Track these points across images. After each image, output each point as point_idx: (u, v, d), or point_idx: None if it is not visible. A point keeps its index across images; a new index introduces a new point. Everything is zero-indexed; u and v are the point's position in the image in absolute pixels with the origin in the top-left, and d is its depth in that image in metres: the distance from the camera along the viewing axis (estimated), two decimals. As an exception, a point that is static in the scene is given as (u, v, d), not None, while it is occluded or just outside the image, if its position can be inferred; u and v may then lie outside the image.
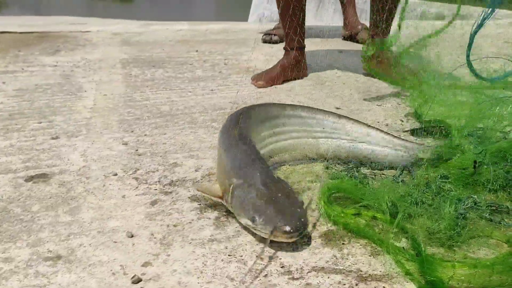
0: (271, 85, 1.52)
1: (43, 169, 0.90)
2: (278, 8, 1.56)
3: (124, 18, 4.54)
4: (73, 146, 1.01)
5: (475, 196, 0.72)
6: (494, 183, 0.81)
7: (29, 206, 0.77)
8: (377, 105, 1.34)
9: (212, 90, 1.50)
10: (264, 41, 2.43)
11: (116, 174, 0.89)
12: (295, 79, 1.59)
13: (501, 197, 0.78)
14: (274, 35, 2.45)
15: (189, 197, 0.81)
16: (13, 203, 0.77)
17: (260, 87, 1.49)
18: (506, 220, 0.72)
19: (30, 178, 0.86)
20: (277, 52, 2.09)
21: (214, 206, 0.78)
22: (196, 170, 0.92)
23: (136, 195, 0.82)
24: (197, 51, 2.15)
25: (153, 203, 0.79)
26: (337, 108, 1.29)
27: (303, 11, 1.55)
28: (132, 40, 2.41)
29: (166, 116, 1.24)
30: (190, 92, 1.48)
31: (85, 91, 1.45)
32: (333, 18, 7.03)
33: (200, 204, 0.79)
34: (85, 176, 0.88)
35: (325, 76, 1.67)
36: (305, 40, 1.61)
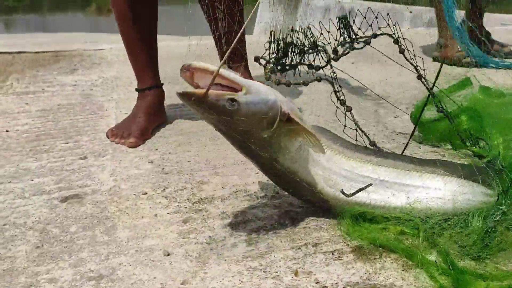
0: (144, 141, 1.19)
1: (75, 189, 0.93)
2: (124, 42, 1.30)
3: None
4: (102, 166, 1.04)
5: (503, 207, 0.73)
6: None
7: (67, 227, 0.80)
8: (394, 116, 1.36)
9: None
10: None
11: (146, 193, 0.92)
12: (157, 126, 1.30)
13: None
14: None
15: (219, 215, 0.84)
16: (51, 224, 0.80)
17: (133, 147, 1.15)
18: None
19: (64, 199, 0.89)
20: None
21: (245, 223, 0.80)
22: (222, 187, 0.94)
23: (168, 213, 0.84)
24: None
25: (185, 221, 0.82)
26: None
27: (155, 41, 1.31)
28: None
29: (187, 133, 1.26)
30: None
31: (106, 109, 1.49)
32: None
33: (231, 221, 0.81)
34: (117, 196, 0.90)
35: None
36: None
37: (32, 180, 0.97)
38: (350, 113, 0.94)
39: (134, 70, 1.33)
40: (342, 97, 0.94)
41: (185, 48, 2.58)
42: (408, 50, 0.98)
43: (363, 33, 1.02)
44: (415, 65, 0.97)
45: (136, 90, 1.32)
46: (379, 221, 0.75)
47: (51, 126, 1.32)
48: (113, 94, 1.69)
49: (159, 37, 1.37)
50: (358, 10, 1.07)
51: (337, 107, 0.93)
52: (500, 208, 0.71)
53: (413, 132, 1.06)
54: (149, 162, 1.07)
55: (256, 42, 1.18)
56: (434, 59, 2.26)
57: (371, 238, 0.73)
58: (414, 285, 0.62)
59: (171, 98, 1.61)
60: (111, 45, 2.81)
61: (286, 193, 0.89)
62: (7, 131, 1.28)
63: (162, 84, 1.35)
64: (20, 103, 1.55)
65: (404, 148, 1.08)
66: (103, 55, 2.50)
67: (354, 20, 1.06)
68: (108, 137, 1.21)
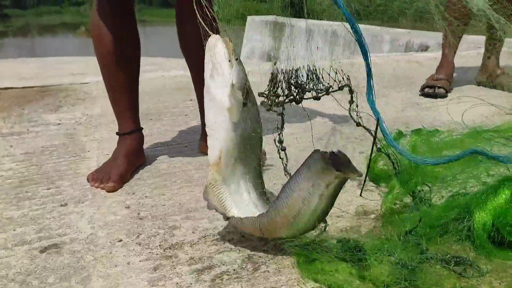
0: (123, 184, 1.25)
1: (55, 238, 1.00)
2: (106, 87, 1.35)
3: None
4: (81, 213, 1.11)
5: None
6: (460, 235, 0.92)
7: (45, 278, 0.86)
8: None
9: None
10: (426, 95, 2.14)
11: (121, 240, 0.99)
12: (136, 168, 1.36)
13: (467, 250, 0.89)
14: (439, 87, 2.12)
15: (187, 260, 0.91)
16: (31, 276, 0.87)
17: (112, 191, 1.21)
18: (467, 271, 0.82)
19: (44, 249, 0.96)
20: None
21: (210, 268, 0.88)
22: (193, 232, 1.01)
23: (140, 261, 0.91)
24: (191, 100, 2.28)
25: (155, 268, 0.89)
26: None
27: (137, 85, 1.37)
28: (129, 90, 2.53)
29: (164, 175, 1.34)
30: (186, 147, 1.59)
31: (88, 151, 1.56)
32: (323, 49, 7.24)
33: (198, 267, 0.88)
34: (93, 244, 0.97)
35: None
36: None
37: (15, 230, 1.04)
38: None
39: (115, 114, 1.39)
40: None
41: (164, 80, 2.65)
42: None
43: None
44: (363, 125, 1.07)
45: (117, 134, 1.40)
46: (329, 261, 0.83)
47: (34, 171, 1.39)
48: (96, 134, 1.77)
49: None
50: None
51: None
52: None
53: (365, 179, 1.16)
54: (125, 207, 1.14)
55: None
56: (479, 84, 2.34)
57: (326, 281, 0.81)
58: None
59: (151, 136, 1.70)
60: (98, 78, 2.89)
61: (251, 236, 0.97)
62: (-8, 177, 1.34)
63: (142, 128, 1.43)
64: (6, 146, 1.62)
65: (361, 189, 1.17)
66: (88, 90, 2.58)
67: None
68: (88, 181, 1.28)
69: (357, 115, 1.14)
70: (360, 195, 1.17)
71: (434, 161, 1.06)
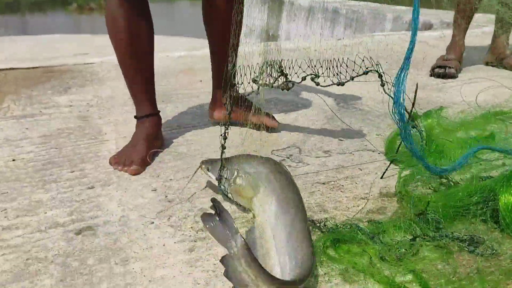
0: (145, 168, 1.27)
1: (88, 221, 1.02)
2: (123, 72, 1.37)
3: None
4: (109, 196, 1.13)
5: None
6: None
7: (85, 260, 0.88)
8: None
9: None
10: (437, 75, 2.14)
11: (153, 223, 1.01)
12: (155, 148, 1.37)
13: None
14: (449, 67, 2.11)
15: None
16: (70, 257, 0.89)
17: (136, 174, 1.24)
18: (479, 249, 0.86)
19: (79, 232, 0.97)
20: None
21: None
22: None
23: (175, 242, 0.94)
24: (201, 81, 2.28)
25: (191, 249, 0.91)
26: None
27: (152, 68, 1.39)
28: (136, 71, 2.52)
29: (184, 158, 1.35)
30: (202, 129, 1.60)
31: (106, 134, 1.57)
32: (324, 28, 7.16)
33: (232, 249, 0.91)
34: (127, 226, 0.99)
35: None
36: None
37: (46, 213, 1.05)
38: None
39: (133, 98, 1.41)
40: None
41: (168, 61, 2.63)
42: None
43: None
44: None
45: (135, 117, 1.40)
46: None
47: (55, 154, 1.39)
48: (110, 116, 1.77)
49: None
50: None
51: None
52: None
53: (388, 166, 1.18)
54: (152, 190, 1.16)
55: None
56: (487, 64, 2.36)
57: (353, 263, 0.84)
58: (393, 306, 0.73)
59: (165, 119, 1.70)
60: (102, 58, 2.87)
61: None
62: (13, 160, 1.35)
63: (159, 111, 1.44)
64: (21, 129, 1.62)
65: (383, 173, 1.19)
66: (94, 71, 2.56)
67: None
68: (111, 165, 1.30)
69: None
70: (381, 177, 1.19)
71: (450, 168, 1.09)
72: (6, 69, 2.59)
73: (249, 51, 1.07)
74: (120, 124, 1.68)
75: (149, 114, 1.39)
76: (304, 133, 1.53)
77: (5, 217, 1.03)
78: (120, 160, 1.29)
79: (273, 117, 1.54)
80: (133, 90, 1.39)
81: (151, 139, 1.36)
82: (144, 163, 1.29)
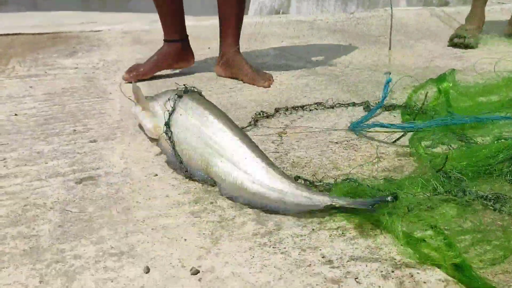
0: (139, 78, 1.58)
1: (89, 171, 0.97)
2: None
3: (121, 11, 4.61)
4: (112, 149, 1.08)
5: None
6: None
7: (85, 207, 0.84)
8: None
9: (231, 88, 1.57)
10: (455, 45, 2.09)
11: (156, 175, 0.96)
12: (179, 68, 1.70)
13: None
14: (469, 37, 2.07)
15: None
16: (70, 205, 0.85)
17: (126, 80, 1.57)
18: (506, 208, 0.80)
19: (80, 181, 0.93)
20: (289, 46, 2.15)
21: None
22: (229, 169, 0.99)
23: (179, 194, 0.89)
24: (209, 48, 2.21)
25: (196, 201, 0.86)
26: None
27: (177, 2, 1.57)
28: (142, 38, 2.47)
29: (192, 116, 1.30)
30: (210, 90, 1.54)
31: (110, 93, 1.52)
32: (335, 7, 7.03)
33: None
34: (129, 177, 0.95)
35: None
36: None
37: (47, 163, 1.01)
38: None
39: (162, 24, 1.64)
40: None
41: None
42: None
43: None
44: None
45: (164, 40, 1.65)
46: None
47: (58, 110, 1.35)
48: (116, 77, 1.72)
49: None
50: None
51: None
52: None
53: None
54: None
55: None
56: (508, 36, 2.24)
57: (368, 217, 0.79)
58: (413, 259, 0.68)
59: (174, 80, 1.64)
60: (109, 27, 2.81)
61: (289, 173, 0.94)
62: (15, 114, 1.31)
63: (186, 36, 1.68)
64: (25, 87, 1.58)
65: (398, 139, 1.13)
66: (101, 37, 2.51)
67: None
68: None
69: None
70: (394, 142, 1.13)
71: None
72: (13, 34, 2.54)
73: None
74: (126, 85, 1.62)
75: (172, 40, 1.63)
76: (316, 96, 1.46)
77: (4, 166, 1.00)
78: (131, 69, 1.61)
79: (267, 77, 1.60)
80: (161, 17, 1.62)
81: (164, 58, 1.62)
82: (138, 75, 1.59)
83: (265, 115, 1.26)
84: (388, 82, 1.27)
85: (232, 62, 1.63)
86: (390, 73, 1.35)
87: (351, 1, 6.20)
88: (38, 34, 2.58)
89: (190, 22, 2.98)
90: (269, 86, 1.58)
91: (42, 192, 0.89)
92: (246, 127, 1.17)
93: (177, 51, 1.63)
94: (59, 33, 2.61)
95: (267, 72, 1.68)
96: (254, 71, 1.62)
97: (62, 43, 2.35)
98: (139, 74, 1.60)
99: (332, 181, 0.91)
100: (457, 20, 2.85)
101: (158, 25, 2.89)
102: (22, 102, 1.42)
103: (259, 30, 2.69)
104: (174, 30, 1.60)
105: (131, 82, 1.39)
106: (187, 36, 1.67)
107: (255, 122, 1.21)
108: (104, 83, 1.64)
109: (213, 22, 2.97)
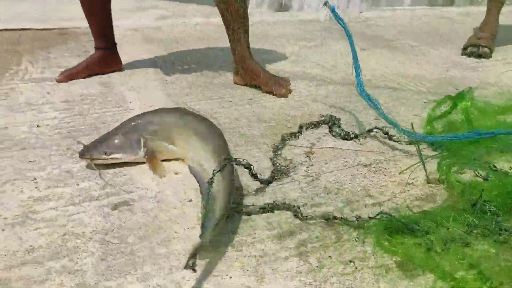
0: (70, 79, 1.67)
1: (122, 195, 0.97)
2: (81, 6, 1.66)
3: None
4: (141, 169, 1.08)
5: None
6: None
7: (125, 237, 0.84)
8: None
9: (250, 98, 1.56)
10: (470, 54, 2.07)
11: (190, 200, 0.96)
12: (109, 72, 1.78)
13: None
14: (483, 46, 2.05)
15: (265, 225, 0.89)
16: (109, 235, 0.85)
17: (59, 82, 1.65)
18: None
19: (115, 206, 0.93)
20: (303, 51, 2.13)
21: (291, 234, 0.86)
22: (262, 196, 0.99)
23: (216, 223, 0.89)
24: (222, 50, 2.19)
25: (234, 231, 0.87)
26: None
27: (106, 10, 1.68)
28: (153, 37, 2.43)
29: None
30: (230, 101, 1.53)
31: (130, 102, 1.50)
32: (339, 1, 6.94)
33: (278, 232, 0.86)
34: (164, 203, 0.95)
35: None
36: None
37: (78, 185, 1.00)
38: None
39: (91, 30, 1.74)
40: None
41: (186, 28, 2.50)
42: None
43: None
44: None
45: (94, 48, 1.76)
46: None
47: (80, 121, 1.33)
48: (132, 82, 1.70)
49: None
50: None
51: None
52: None
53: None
54: (187, 165, 1.10)
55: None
56: None
57: (409, 256, 0.80)
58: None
59: (191, 88, 1.63)
60: (116, 22, 2.76)
61: (323, 200, 0.95)
62: (38, 126, 1.29)
63: (115, 44, 1.77)
64: (42, 92, 1.55)
65: (423, 161, 1.13)
66: (111, 35, 2.46)
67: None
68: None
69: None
70: (422, 163, 1.13)
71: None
72: (20, 29, 2.49)
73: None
74: (143, 91, 1.61)
75: (101, 47, 1.74)
76: (337, 110, 1.46)
77: (35, 187, 0.99)
78: (61, 72, 1.69)
79: (285, 84, 1.61)
80: (90, 26, 1.73)
81: (94, 62, 1.73)
82: (69, 77, 1.67)
83: (292, 136, 1.25)
84: (333, 10, 1.30)
85: (249, 71, 1.62)
86: (327, 2, 1.37)
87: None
88: (47, 29, 2.53)
89: (199, 19, 2.96)
90: (287, 96, 1.57)
91: (79, 219, 0.88)
92: (276, 151, 1.16)
93: (105, 57, 1.76)
94: (67, 29, 2.57)
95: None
96: (271, 78, 1.61)
97: (72, 40, 2.31)
98: (72, 74, 1.68)
99: (366, 211, 0.91)
100: (467, 24, 2.85)
101: (167, 22, 2.87)
102: (42, 110, 1.40)
103: (270, 30, 2.67)
104: (101, 39, 1.73)
105: (62, 82, 1.64)
106: (115, 44, 1.79)
107: (283, 142, 1.21)
108: (121, 89, 1.62)
109: (219, 18, 2.94)
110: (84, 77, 1.72)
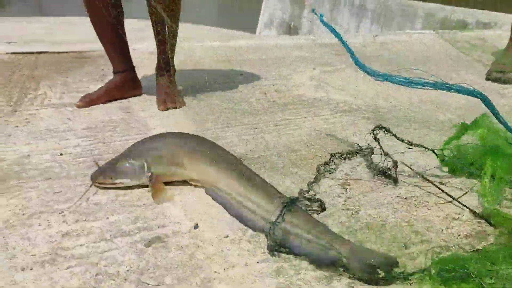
0: (91, 105, 1.63)
1: (155, 230, 0.92)
2: (95, 31, 1.64)
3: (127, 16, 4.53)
4: (171, 201, 1.03)
5: None
6: None
7: (161, 278, 0.78)
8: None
9: (276, 125, 1.52)
10: (495, 80, 2.04)
11: (227, 236, 0.91)
12: (129, 97, 1.74)
13: None
14: (509, 71, 2.01)
15: (308, 264, 0.83)
16: (145, 275, 0.79)
17: (79, 107, 1.60)
18: None
19: (148, 243, 0.88)
20: (323, 75, 2.11)
21: (339, 276, 0.80)
22: (302, 230, 0.93)
23: (257, 262, 0.84)
24: (241, 74, 2.17)
25: (278, 272, 0.81)
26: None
27: (121, 32, 1.64)
28: (170, 61, 2.41)
29: (244, 161, 1.25)
30: (256, 128, 1.49)
31: (153, 128, 1.47)
32: (349, 23, 6.99)
33: (324, 273, 0.80)
34: (200, 239, 0.89)
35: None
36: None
37: (108, 218, 0.95)
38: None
39: (108, 55, 1.72)
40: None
41: (204, 51, 2.46)
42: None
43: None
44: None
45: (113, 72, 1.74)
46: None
47: (104, 149, 1.30)
48: (153, 108, 1.67)
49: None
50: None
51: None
52: None
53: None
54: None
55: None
56: None
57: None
58: None
59: (217, 115, 1.59)
60: (133, 46, 2.76)
61: (367, 236, 0.89)
62: (61, 154, 1.25)
63: (133, 67, 1.76)
64: (62, 118, 1.52)
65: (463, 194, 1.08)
66: (128, 59, 2.45)
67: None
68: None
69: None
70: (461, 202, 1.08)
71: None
72: (37, 52, 2.49)
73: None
74: (165, 117, 1.58)
75: (119, 71, 1.71)
76: (367, 138, 1.42)
77: (63, 221, 0.94)
78: (81, 97, 1.64)
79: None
80: (108, 50, 1.70)
81: (114, 87, 1.69)
82: (90, 103, 1.62)
83: (327, 167, 1.20)
84: (321, 16, 1.28)
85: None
86: (314, 9, 1.38)
87: (366, 17, 6.20)
88: (63, 52, 2.52)
89: (215, 43, 2.95)
90: (162, 110, 1.63)
91: (111, 257, 0.83)
92: (312, 183, 1.11)
93: (124, 81, 1.71)
94: (83, 52, 2.56)
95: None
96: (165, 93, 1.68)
97: (90, 64, 2.30)
98: (92, 99, 1.64)
99: (415, 249, 0.86)
100: (485, 48, 2.83)
101: (185, 44, 2.86)
102: (64, 137, 1.36)
103: (285, 54, 2.66)
104: (119, 62, 1.70)
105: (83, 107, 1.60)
106: (133, 67, 1.76)
107: (320, 174, 1.16)
108: (143, 116, 1.59)
109: (239, 42, 2.94)
110: (104, 103, 1.69)
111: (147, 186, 1.06)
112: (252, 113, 1.63)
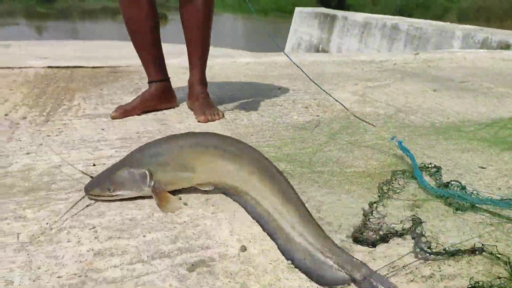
0: (126, 116, 1.56)
1: (198, 252, 0.79)
2: (132, 41, 1.59)
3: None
4: (215, 219, 0.90)
5: None
6: None
7: (209, 311, 0.65)
8: None
9: (320, 144, 1.38)
10: None
11: (283, 261, 0.77)
12: (164, 109, 1.67)
13: None
14: None
15: (385, 300, 0.68)
16: (189, 306, 0.66)
17: (114, 118, 1.54)
18: None
19: (191, 267, 0.75)
20: (367, 90, 1.97)
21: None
22: (374, 259, 0.79)
23: (322, 294, 0.69)
24: (279, 89, 2.06)
25: (349, 308, 0.66)
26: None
27: (157, 41, 1.60)
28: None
29: (299, 176, 1.12)
30: (303, 149, 1.36)
31: (191, 141, 1.36)
32: (380, 46, 6.87)
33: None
34: (251, 265, 0.76)
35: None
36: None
37: (144, 236, 0.83)
38: None
39: (143, 65, 1.65)
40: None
41: (236, 67, 2.37)
42: None
43: None
44: None
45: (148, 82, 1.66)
46: None
47: (140, 161, 1.19)
48: (189, 120, 1.57)
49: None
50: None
51: None
52: None
53: None
54: (268, 216, 0.92)
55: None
56: None
57: None
58: None
59: (257, 127, 1.48)
60: (167, 61, 2.71)
61: (454, 270, 0.73)
62: (93, 164, 1.15)
63: (168, 78, 1.68)
64: (96, 129, 1.43)
65: None
66: (163, 73, 2.39)
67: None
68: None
69: None
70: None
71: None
72: (73, 67, 2.46)
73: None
74: (204, 130, 1.47)
75: (154, 81, 1.63)
76: (426, 155, 1.26)
77: (95, 237, 0.82)
78: (116, 108, 1.58)
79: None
80: (143, 60, 1.63)
81: (149, 98, 1.62)
82: (124, 114, 1.56)
83: (392, 187, 1.05)
84: (400, 144, 1.17)
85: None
86: (395, 137, 1.24)
87: (398, 40, 6.06)
88: (98, 67, 2.49)
89: (247, 58, 2.88)
90: (204, 122, 1.54)
91: (150, 283, 0.71)
92: (377, 202, 0.96)
93: (160, 92, 1.64)
94: (117, 67, 2.52)
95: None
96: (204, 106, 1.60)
97: (124, 78, 2.25)
98: (127, 110, 1.57)
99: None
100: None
101: (217, 60, 2.79)
102: (98, 148, 1.27)
103: (324, 69, 2.54)
104: (155, 71, 1.63)
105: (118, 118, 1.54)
106: (168, 78, 1.68)
107: (383, 194, 1.01)
108: (179, 127, 1.49)
109: (274, 58, 2.85)
110: (138, 114, 1.60)
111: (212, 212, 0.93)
112: (297, 128, 1.50)
